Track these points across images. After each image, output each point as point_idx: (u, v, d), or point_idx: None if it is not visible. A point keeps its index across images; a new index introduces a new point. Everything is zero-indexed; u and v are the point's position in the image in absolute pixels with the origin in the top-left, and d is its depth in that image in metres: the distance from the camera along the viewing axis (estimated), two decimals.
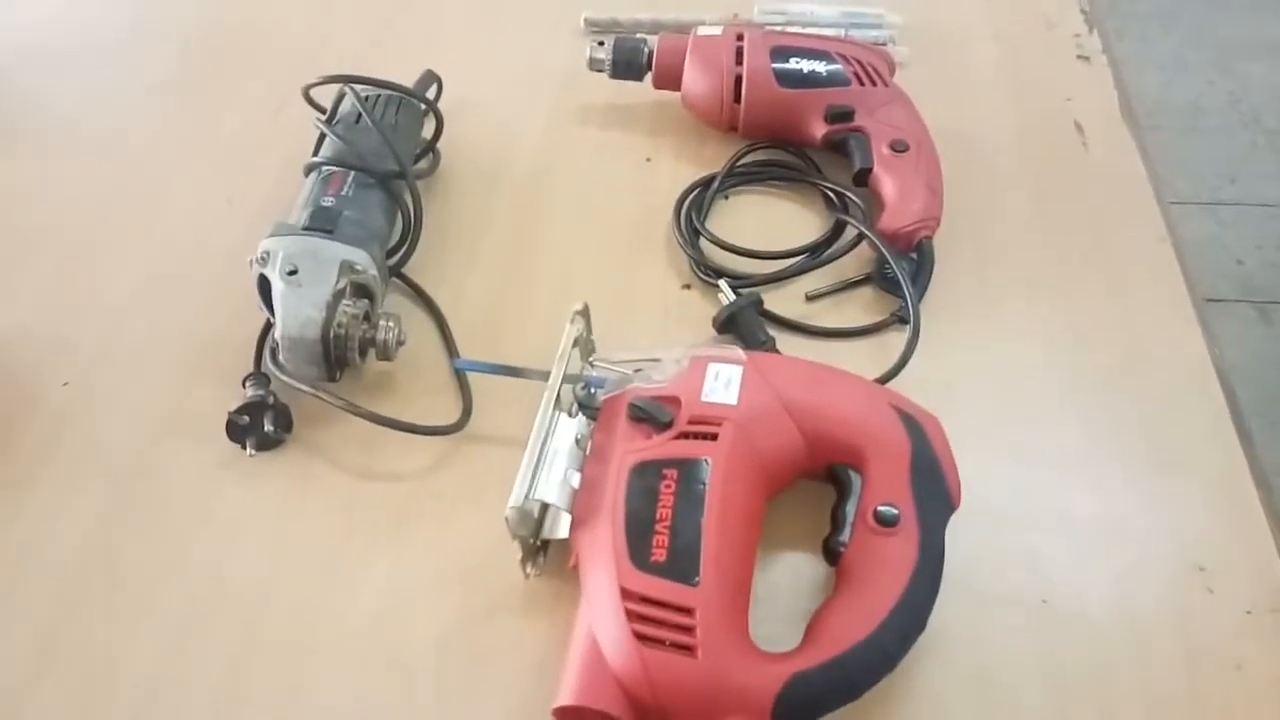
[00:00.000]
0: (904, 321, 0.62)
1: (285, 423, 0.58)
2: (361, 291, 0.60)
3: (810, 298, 0.65)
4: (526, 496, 0.48)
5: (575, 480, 0.50)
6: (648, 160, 0.75)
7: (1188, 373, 0.61)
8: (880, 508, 0.47)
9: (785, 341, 0.62)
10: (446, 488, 0.57)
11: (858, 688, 0.44)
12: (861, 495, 0.48)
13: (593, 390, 0.54)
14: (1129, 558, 0.53)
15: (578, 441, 0.52)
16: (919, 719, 0.47)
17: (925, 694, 0.48)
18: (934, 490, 0.48)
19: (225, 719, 0.49)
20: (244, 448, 0.57)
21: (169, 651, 0.51)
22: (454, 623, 0.51)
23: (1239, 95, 2.12)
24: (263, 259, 0.59)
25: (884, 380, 0.59)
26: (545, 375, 0.54)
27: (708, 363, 0.52)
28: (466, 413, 0.59)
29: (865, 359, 0.61)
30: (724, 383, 0.51)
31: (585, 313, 0.56)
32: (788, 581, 0.50)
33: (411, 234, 0.66)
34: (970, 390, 0.60)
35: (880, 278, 0.64)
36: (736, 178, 0.72)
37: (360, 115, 0.67)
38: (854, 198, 0.68)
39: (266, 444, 0.58)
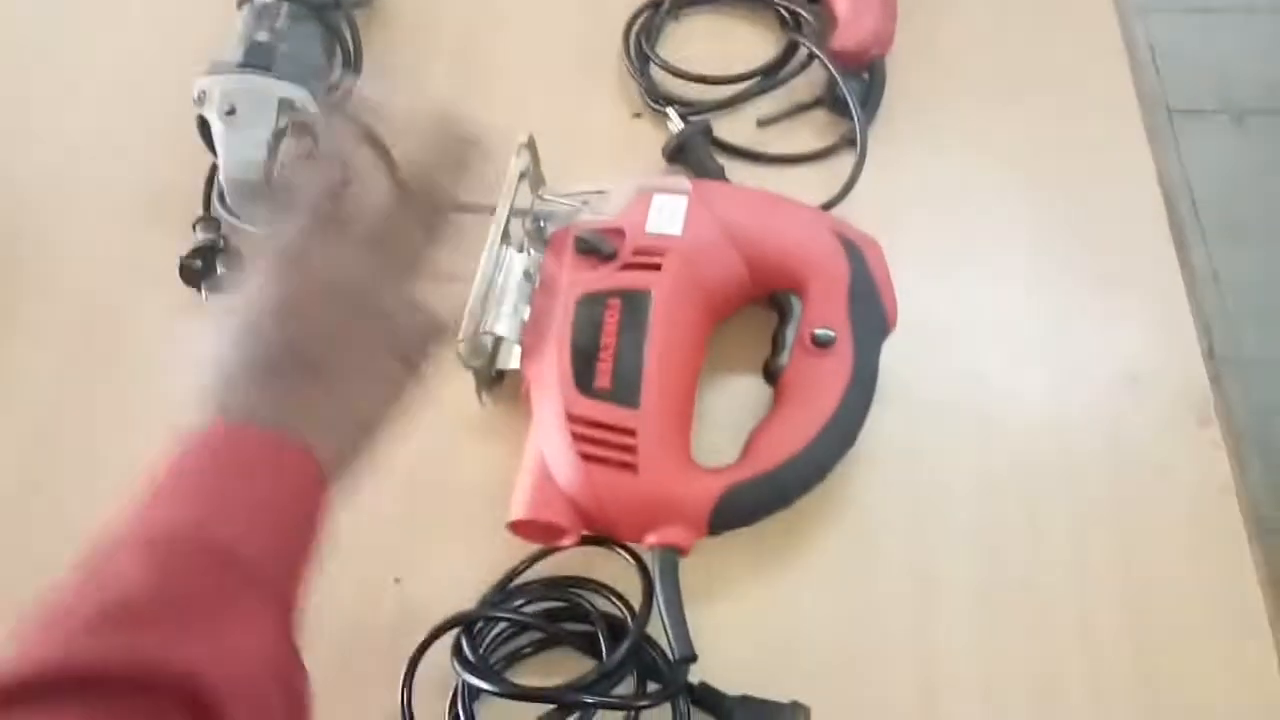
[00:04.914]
0: (854, 144, 0.61)
1: (239, 265, 0.58)
2: (303, 130, 0.59)
3: (761, 123, 0.64)
4: (477, 330, 0.50)
5: (525, 313, 0.52)
6: None
7: (1135, 188, 0.61)
8: (817, 330, 0.48)
9: (735, 169, 0.62)
10: None
11: (789, 497, 0.47)
12: (800, 319, 0.50)
13: (541, 223, 0.54)
14: (1064, 369, 0.55)
15: (527, 275, 0.53)
16: (852, 523, 0.51)
17: (858, 500, 0.51)
18: (870, 313, 0.50)
19: None
20: (199, 291, 0.58)
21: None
22: (417, 449, 0.53)
23: None
24: (200, 98, 0.58)
25: (830, 205, 0.59)
26: (493, 209, 0.54)
27: (653, 194, 0.52)
28: None
29: (816, 184, 0.61)
30: (669, 214, 0.51)
31: (531, 145, 0.56)
32: (731, 402, 0.52)
33: (351, 69, 0.64)
34: (919, 211, 0.61)
35: (832, 100, 0.63)
36: None
37: None
38: (807, 15, 0.66)
39: (221, 287, 0.58)
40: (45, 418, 0.56)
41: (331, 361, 0.40)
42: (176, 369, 0.56)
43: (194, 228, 0.59)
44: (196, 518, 0.35)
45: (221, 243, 0.58)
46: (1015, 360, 0.56)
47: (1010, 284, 0.59)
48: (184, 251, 0.58)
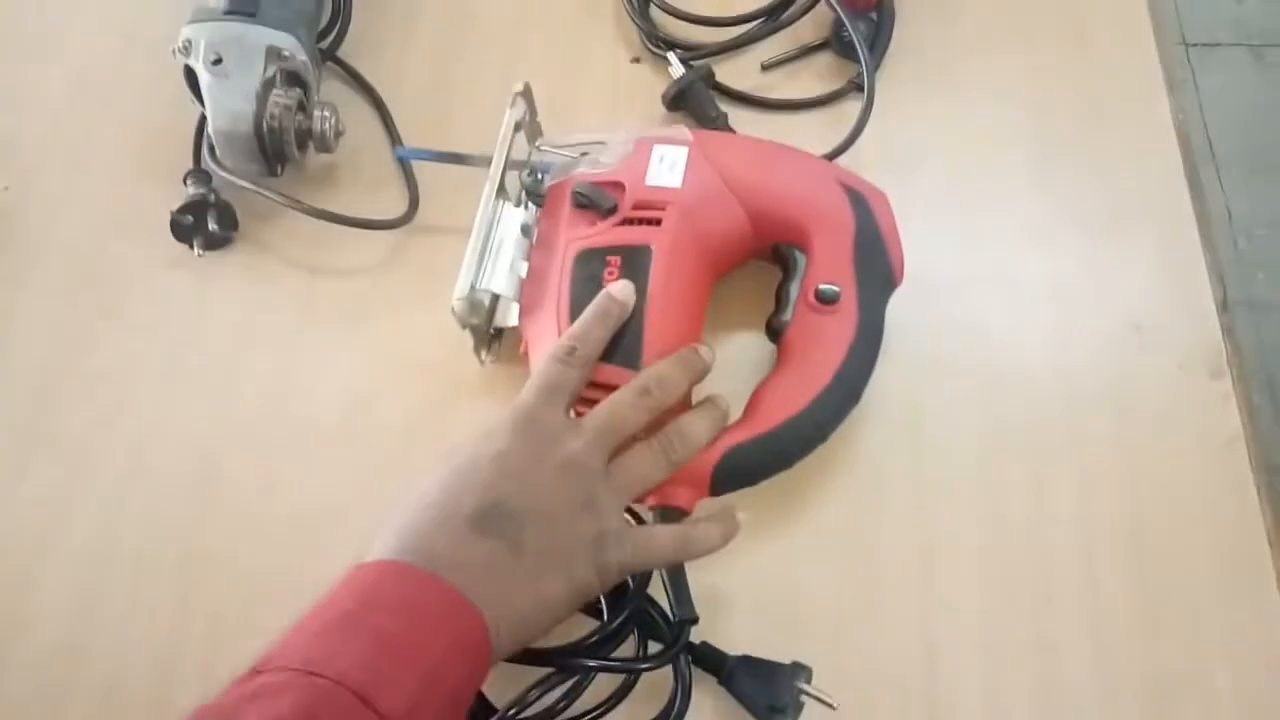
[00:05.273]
0: (860, 89, 0.60)
1: (230, 221, 0.57)
2: (293, 80, 0.57)
3: (765, 67, 0.62)
4: (473, 287, 0.49)
5: (522, 269, 0.50)
6: None
7: (1149, 130, 0.60)
8: (821, 286, 0.47)
9: (738, 116, 0.60)
10: (400, 280, 0.57)
11: (791, 457, 0.46)
12: (805, 274, 0.48)
13: (539, 176, 0.53)
14: (1069, 316, 0.54)
15: (524, 230, 0.52)
16: (855, 480, 0.50)
17: (861, 456, 0.50)
18: (876, 267, 0.49)
19: (205, 500, 0.52)
20: (191, 247, 0.57)
21: (141, 443, 0.53)
22: (417, 409, 0.53)
23: None
24: (185, 48, 0.56)
25: (837, 153, 0.57)
26: (490, 162, 0.53)
27: (653, 145, 0.50)
28: (414, 204, 0.58)
29: (821, 129, 0.60)
30: (669, 165, 0.49)
31: (527, 94, 0.54)
32: (733, 360, 0.51)
33: (342, 14, 0.62)
34: (927, 156, 0.59)
35: (838, 41, 0.61)
36: None
37: None
38: None
39: (214, 243, 0.57)
40: (37, 373, 0.55)
41: (534, 540, 0.39)
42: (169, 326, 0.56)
43: (185, 181, 0.58)
44: (364, 679, 0.33)
45: (213, 197, 0.57)
46: (1019, 308, 0.55)
47: (1016, 230, 0.57)
48: (175, 206, 0.57)
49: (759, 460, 0.46)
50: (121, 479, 0.52)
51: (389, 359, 0.54)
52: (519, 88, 0.53)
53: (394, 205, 0.58)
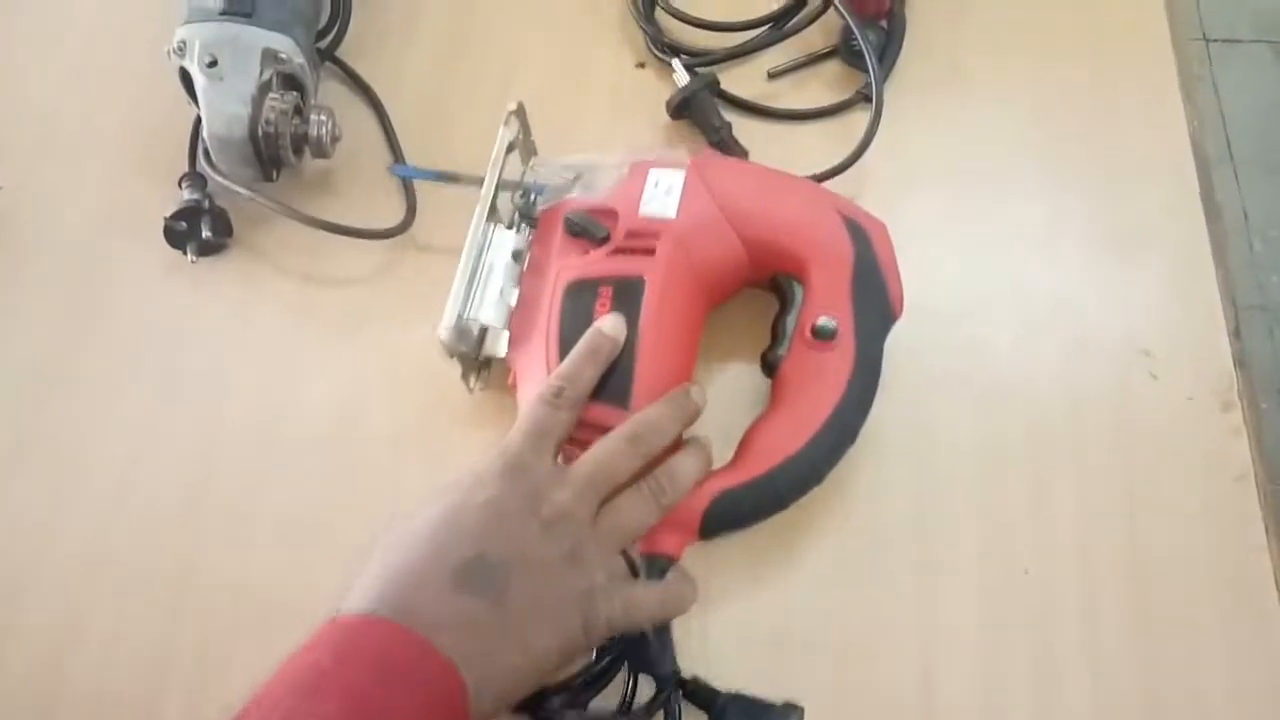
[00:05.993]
0: (869, 99, 0.58)
1: (224, 228, 0.56)
2: (290, 83, 0.56)
3: (772, 75, 0.61)
4: (461, 316, 0.47)
5: (513, 297, 0.49)
6: None
7: (1164, 146, 0.58)
8: (818, 320, 0.46)
9: (743, 125, 0.59)
10: (394, 290, 0.56)
11: (784, 501, 0.45)
12: (802, 307, 0.47)
13: (532, 198, 0.51)
14: (1076, 339, 0.53)
15: (515, 255, 0.50)
16: (852, 513, 0.49)
17: (859, 488, 0.49)
18: (874, 301, 0.47)
19: (191, 514, 0.51)
20: (185, 253, 0.56)
21: (133, 450, 0.53)
22: (407, 422, 0.52)
23: None
24: (179, 49, 0.55)
25: (844, 166, 0.56)
26: (483, 182, 0.51)
27: (648, 169, 0.49)
28: (411, 212, 0.57)
29: (829, 140, 0.58)
30: (664, 191, 0.48)
31: (521, 113, 0.52)
32: (726, 395, 0.50)
33: (341, 14, 0.61)
34: (935, 169, 0.58)
35: (846, 50, 0.60)
36: None
37: None
38: None
39: (208, 249, 0.56)
40: (28, 378, 0.55)
41: (519, 595, 0.38)
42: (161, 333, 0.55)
43: (180, 184, 0.57)
44: None
45: (207, 203, 0.56)
46: (1025, 329, 0.54)
47: (1025, 249, 0.56)
48: (171, 209, 0.56)
49: (751, 504, 0.44)
50: (111, 487, 0.52)
51: (380, 370, 0.53)
52: (512, 107, 0.52)
53: (392, 212, 0.57)
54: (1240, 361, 0.51)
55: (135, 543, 0.51)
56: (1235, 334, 0.52)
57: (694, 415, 0.45)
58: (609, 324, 0.45)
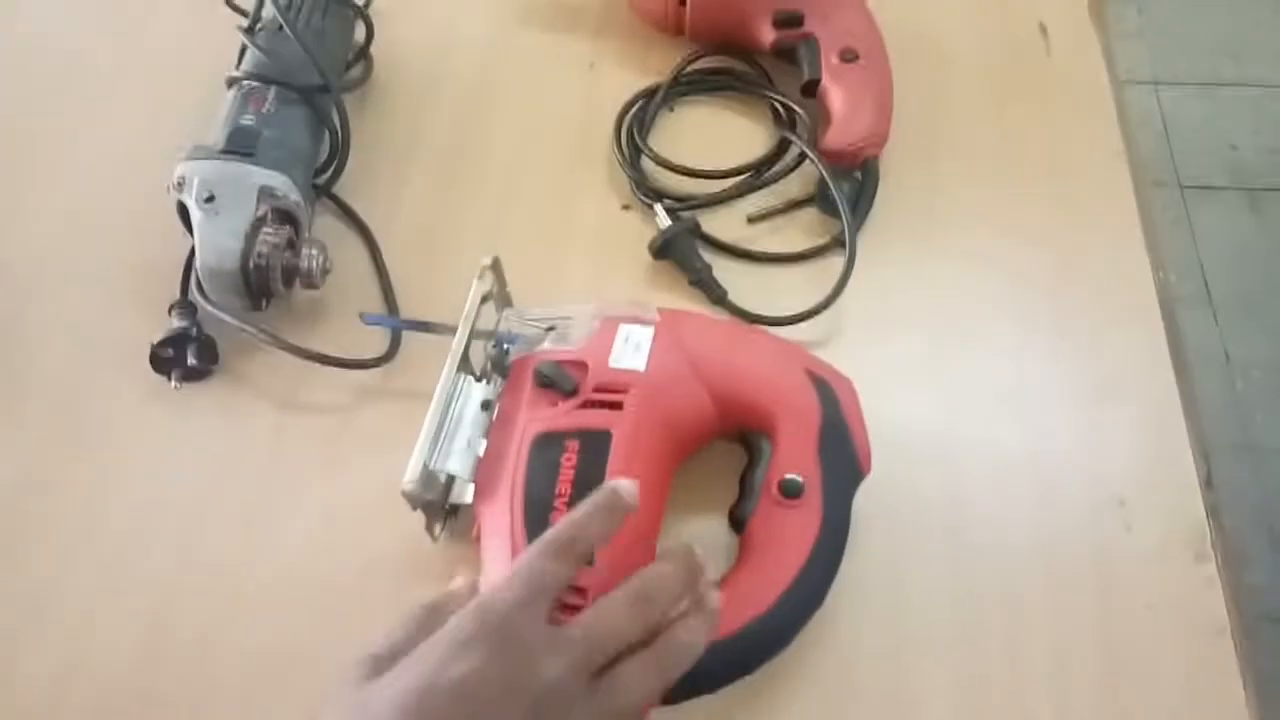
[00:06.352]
0: (844, 246, 0.60)
1: (210, 355, 0.57)
2: (284, 218, 0.58)
3: (751, 220, 0.63)
4: (426, 466, 0.47)
5: (480, 447, 0.49)
6: (591, 66, 0.71)
7: (1133, 301, 0.60)
8: (785, 478, 0.46)
9: (723, 266, 0.61)
10: (373, 422, 0.56)
11: (750, 665, 0.44)
12: (769, 463, 0.47)
13: (505, 348, 0.52)
14: (1050, 489, 0.53)
15: (485, 405, 0.51)
16: (823, 673, 0.48)
17: (830, 646, 0.48)
18: (842, 459, 0.47)
19: (155, 649, 0.50)
20: (169, 379, 0.57)
21: (103, 579, 0.52)
22: (376, 558, 0.52)
23: None
24: (179, 184, 0.57)
25: (818, 310, 0.58)
26: (455, 331, 0.52)
27: (619, 324, 0.50)
28: (394, 345, 0.58)
29: (805, 283, 0.60)
30: (634, 346, 0.49)
31: (496, 267, 0.53)
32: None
33: (340, 153, 0.64)
34: (908, 316, 0.60)
35: (823, 199, 0.62)
36: (683, 86, 0.69)
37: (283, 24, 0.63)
38: (801, 112, 0.65)
39: (192, 376, 0.57)
40: (3, 497, 0.54)
41: None
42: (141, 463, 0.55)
43: (170, 312, 0.58)
44: None
45: (195, 330, 0.57)
46: (998, 477, 0.54)
47: (997, 397, 0.57)
48: (159, 336, 0.57)
49: (716, 668, 0.43)
50: (78, 617, 0.51)
51: (352, 504, 0.53)
52: (487, 261, 0.53)
53: (377, 343, 0.58)
54: (1213, 511, 0.52)
55: (100, 676, 0.49)
56: (1208, 484, 0.52)
57: (700, 573, 0.42)
58: (626, 487, 0.41)
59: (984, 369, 0.58)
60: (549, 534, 0.40)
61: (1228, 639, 0.48)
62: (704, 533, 0.50)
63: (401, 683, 0.35)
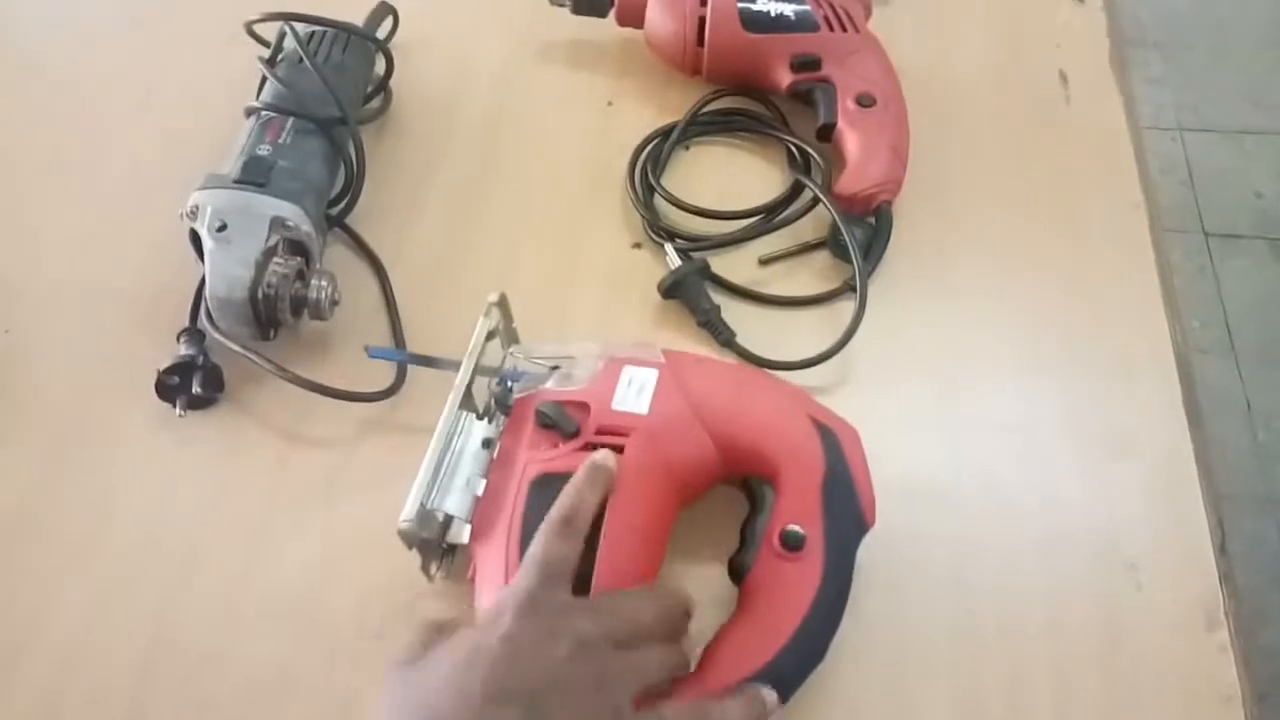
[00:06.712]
0: (855, 291, 0.60)
1: (216, 383, 0.57)
2: (295, 248, 0.58)
3: (763, 262, 0.63)
4: (423, 505, 0.46)
5: (479, 487, 0.48)
6: (609, 104, 0.72)
7: (1147, 356, 0.59)
8: (787, 528, 0.45)
9: (733, 308, 0.60)
10: (376, 455, 0.56)
11: None
12: (771, 513, 0.46)
13: (509, 385, 0.52)
14: (1059, 546, 0.52)
15: (485, 443, 0.50)
16: (830, 703, 0.47)
17: (835, 692, 0.47)
18: (846, 510, 0.46)
19: (150, 675, 0.50)
20: (174, 407, 0.57)
21: (96, 607, 0.52)
22: (371, 592, 0.51)
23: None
24: (192, 213, 0.57)
25: (828, 355, 0.57)
26: (460, 366, 0.51)
27: (623, 365, 0.49)
28: (400, 378, 0.58)
29: (816, 327, 0.60)
30: (637, 388, 0.48)
31: (503, 304, 0.53)
32: (695, 596, 0.46)
33: (354, 185, 0.64)
34: (919, 362, 0.59)
35: (835, 243, 0.62)
36: (699, 126, 0.69)
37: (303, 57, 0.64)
38: (816, 155, 0.65)
39: (197, 404, 0.57)
40: (11, 518, 0.54)
41: (557, 714, 0.38)
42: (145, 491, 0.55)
43: (178, 339, 0.58)
44: None
45: (201, 358, 0.57)
46: (1005, 534, 0.52)
47: (1005, 451, 0.55)
48: (166, 363, 0.57)
49: None
50: (78, 638, 0.51)
51: (350, 537, 0.53)
52: (494, 298, 0.52)
53: (384, 375, 0.58)
54: (1226, 577, 0.50)
55: (93, 698, 0.49)
56: (1221, 549, 0.51)
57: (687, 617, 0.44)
58: (601, 454, 0.46)
59: (994, 415, 0.57)
60: (550, 516, 0.44)
61: (1238, 707, 0.47)
62: (705, 579, 0.49)
63: (449, 652, 0.39)
